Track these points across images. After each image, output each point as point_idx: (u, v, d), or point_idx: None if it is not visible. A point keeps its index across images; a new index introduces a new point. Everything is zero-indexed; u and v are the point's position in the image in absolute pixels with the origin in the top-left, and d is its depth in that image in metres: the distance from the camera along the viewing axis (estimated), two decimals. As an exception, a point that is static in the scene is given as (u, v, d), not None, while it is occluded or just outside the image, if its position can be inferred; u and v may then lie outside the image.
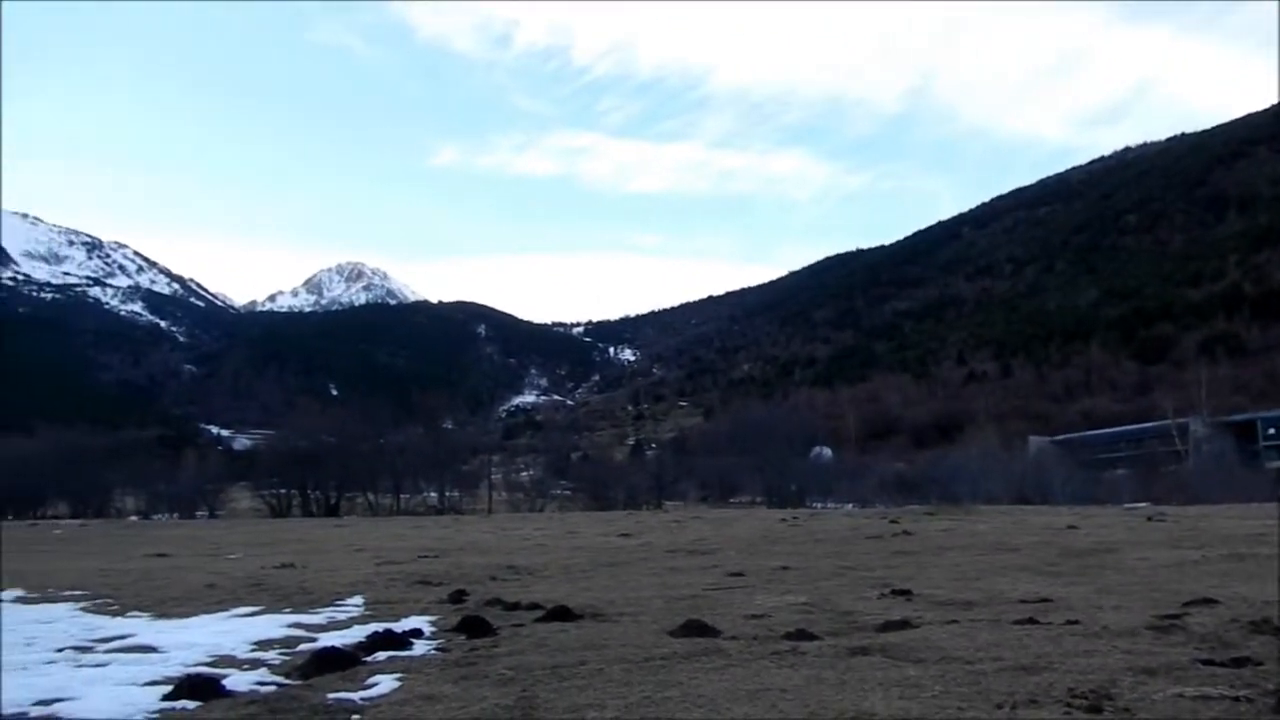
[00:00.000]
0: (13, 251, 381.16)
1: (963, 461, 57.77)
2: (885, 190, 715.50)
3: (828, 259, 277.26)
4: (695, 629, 7.73)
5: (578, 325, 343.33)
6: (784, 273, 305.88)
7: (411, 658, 7.39)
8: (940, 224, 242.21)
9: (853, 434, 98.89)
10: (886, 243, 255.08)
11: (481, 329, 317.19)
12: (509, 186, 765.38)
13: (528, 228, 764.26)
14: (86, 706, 6.05)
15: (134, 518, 56.50)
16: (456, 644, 7.89)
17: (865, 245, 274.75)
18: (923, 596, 9.94)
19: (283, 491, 58.72)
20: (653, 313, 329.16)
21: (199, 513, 57.67)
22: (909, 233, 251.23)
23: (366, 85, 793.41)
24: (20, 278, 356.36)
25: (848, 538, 20.08)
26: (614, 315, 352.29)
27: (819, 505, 53.71)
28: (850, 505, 52.24)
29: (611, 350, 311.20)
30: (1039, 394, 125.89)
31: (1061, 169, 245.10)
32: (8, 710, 6.09)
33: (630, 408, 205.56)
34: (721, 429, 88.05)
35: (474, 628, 8.33)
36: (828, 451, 72.67)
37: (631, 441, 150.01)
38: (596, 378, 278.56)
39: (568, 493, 68.49)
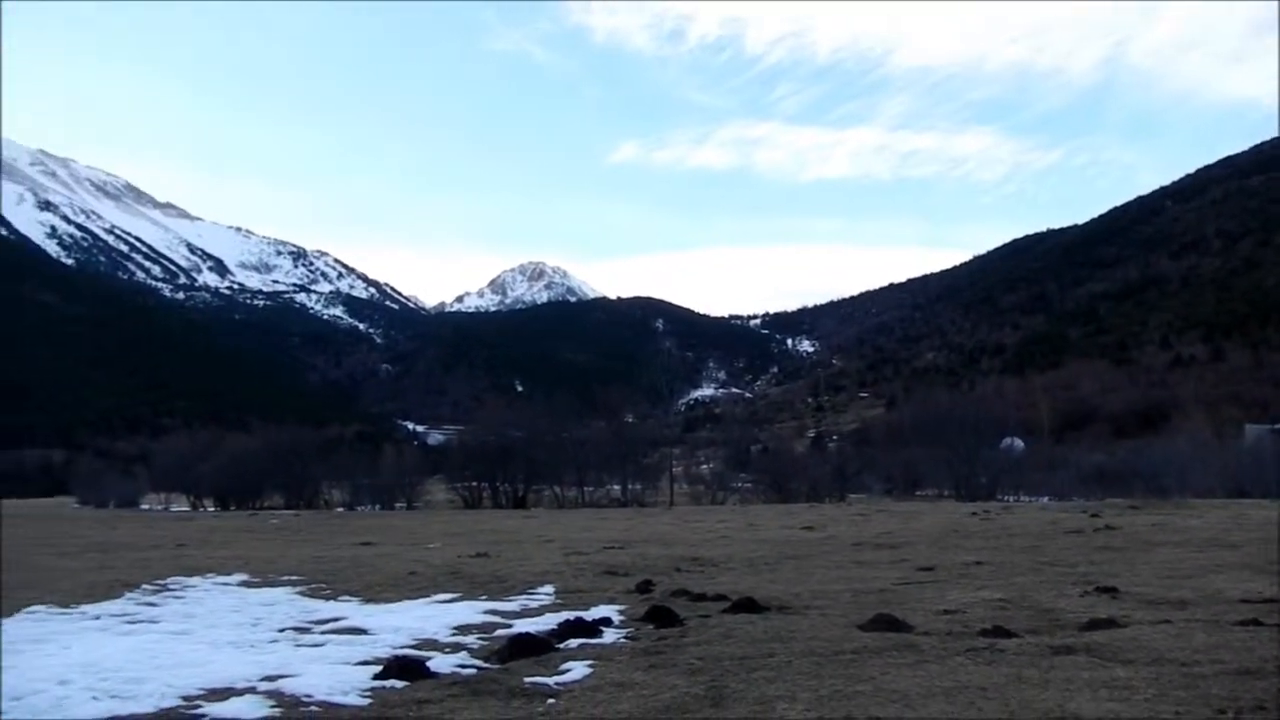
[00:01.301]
0: (229, 263, 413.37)
1: (1170, 452, 53.96)
2: (1078, 166, 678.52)
3: (1016, 241, 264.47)
4: (885, 623, 7.58)
5: (755, 317, 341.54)
6: (969, 257, 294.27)
7: (602, 645, 7.58)
8: (1139, 199, 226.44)
9: (1046, 424, 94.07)
10: (1080, 221, 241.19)
11: (660, 323, 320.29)
12: (685, 180, 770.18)
13: (704, 221, 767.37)
14: (306, 683, 6.52)
15: (340, 509, 60.06)
16: (645, 633, 8.03)
17: (1057, 225, 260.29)
18: (1130, 594, 9.38)
19: (474, 484, 60.97)
20: (831, 302, 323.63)
21: (398, 504, 60.58)
22: (1104, 210, 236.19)
23: (546, 89, 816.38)
24: (236, 286, 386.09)
25: (1044, 532, 19.16)
26: (792, 306, 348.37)
27: (1011, 499, 51.42)
28: (1045, 499, 49.79)
29: (790, 341, 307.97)
30: (1256, 379, 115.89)
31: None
32: (240, 685, 6.66)
33: (810, 399, 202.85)
34: (905, 420, 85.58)
35: (661, 617, 8.44)
36: (1019, 443, 69.24)
37: (812, 433, 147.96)
38: (775, 370, 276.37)
39: (748, 485, 68.04)
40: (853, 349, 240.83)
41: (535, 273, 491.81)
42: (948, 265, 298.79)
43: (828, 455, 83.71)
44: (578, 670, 6.51)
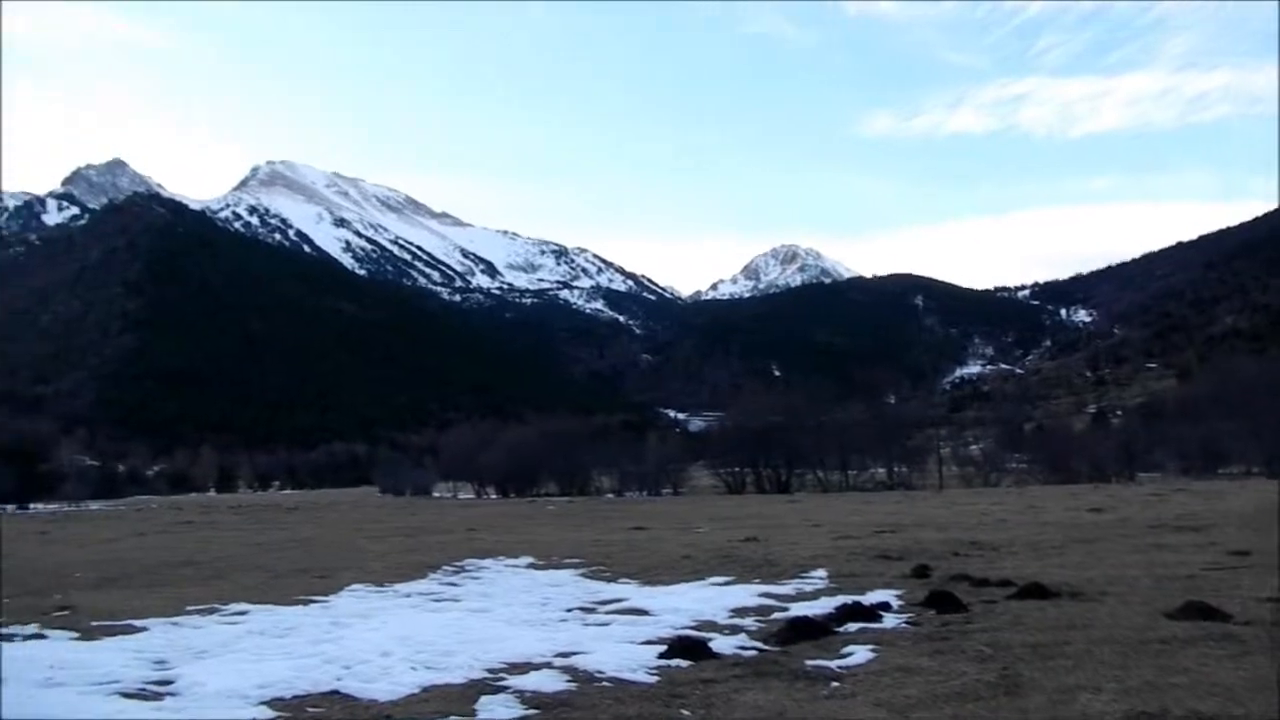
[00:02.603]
0: (498, 265, 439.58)
1: None
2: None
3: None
4: (1197, 611, 6.97)
5: (1023, 288, 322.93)
6: (1274, 205, 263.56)
7: (882, 630, 7.45)
8: None
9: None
10: None
11: (919, 300, 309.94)
12: (942, 148, 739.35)
13: (964, 189, 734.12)
14: (597, 660, 6.85)
15: (610, 494, 62.51)
16: (926, 618, 7.82)
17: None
18: None
19: (736, 469, 61.58)
20: (1109, 267, 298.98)
21: (664, 490, 62.29)
22: None
23: (796, 67, 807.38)
24: (505, 287, 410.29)
25: (1383, 513, 16.91)
26: (1064, 274, 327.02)
27: (1338, 475, 45.76)
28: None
29: (1063, 312, 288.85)
30: None
31: None
32: (537, 660, 7.09)
33: (1088, 373, 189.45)
34: (1202, 391, 77.86)
35: (943, 603, 8.19)
36: (1347, 412, 61.30)
37: (1092, 409, 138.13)
38: (1047, 343, 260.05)
39: (1023, 466, 64.74)
40: (1136, 316, 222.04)
41: (788, 255, 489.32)
42: (1247, 217, 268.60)
43: (1112, 432, 77.88)
44: (860, 654, 6.45)
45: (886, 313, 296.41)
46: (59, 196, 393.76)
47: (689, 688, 5.81)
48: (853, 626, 7.56)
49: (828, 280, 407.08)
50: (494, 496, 67.51)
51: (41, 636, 8.54)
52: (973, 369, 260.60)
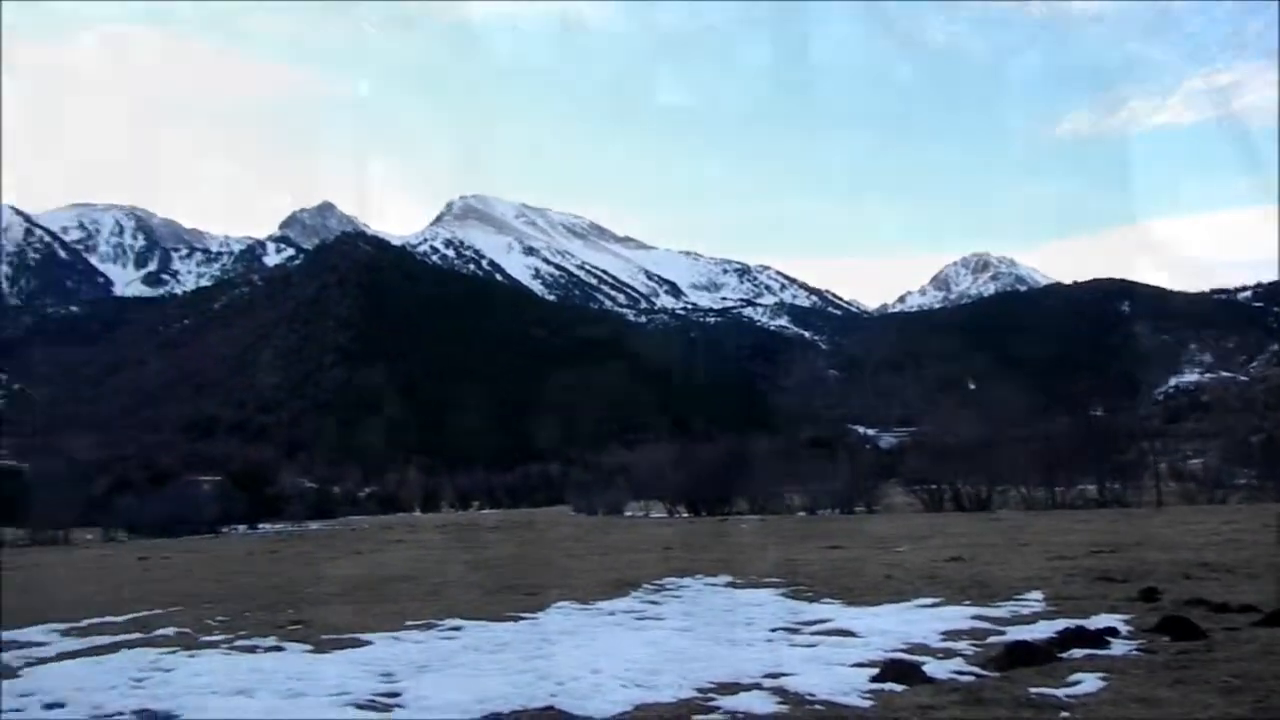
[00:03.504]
0: (681, 285, 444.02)
1: None
2: None
3: None
4: None
5: (1244, 289, 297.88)
6: None
7: (1111, 657, 7.02)
8: None
9: None
10: None
11: (1125, 306, 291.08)
12: (1145, 145, 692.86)
13: (1171, 187, 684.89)
14: (807, 682, 6.76)
15: (801, 513, 61.55)
16: (1160, 645, 7.32)
17: None
18: None
19: (933, 486, 59.48)
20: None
21: (857, 508, 60.84)
22: None
23: (980, 72, 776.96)
24: (690, 307, 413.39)
25: None
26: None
27: None
28: None
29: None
30: None
31: None
32: (745, 680, 7.06)
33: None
34: None
35: (1178, 629, 7.64)
36: None
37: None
38: (1275, 347, 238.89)
39: (1253, 481, 59.55)
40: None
41: (980, 264, 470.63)
42: None
43: (1359, 443, 70.50)
44: (1088, 683, 6.10)
45: (1088, 320, 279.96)
46: (277, 240, 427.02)
47: (907, 713, 5.65)
48: (1077, 653, 7.16)
49: (1023, 288, 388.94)
50: (685, 515, 67.84)
51: (280, 649, 9.22)
52: (1189, 377, 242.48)
